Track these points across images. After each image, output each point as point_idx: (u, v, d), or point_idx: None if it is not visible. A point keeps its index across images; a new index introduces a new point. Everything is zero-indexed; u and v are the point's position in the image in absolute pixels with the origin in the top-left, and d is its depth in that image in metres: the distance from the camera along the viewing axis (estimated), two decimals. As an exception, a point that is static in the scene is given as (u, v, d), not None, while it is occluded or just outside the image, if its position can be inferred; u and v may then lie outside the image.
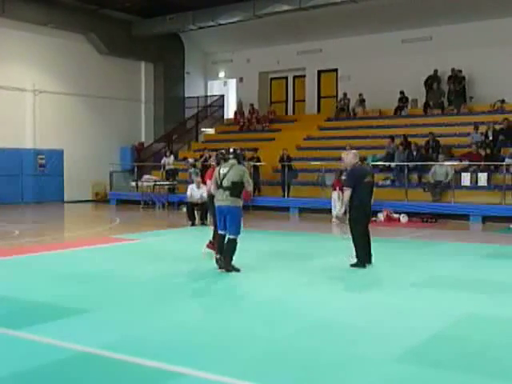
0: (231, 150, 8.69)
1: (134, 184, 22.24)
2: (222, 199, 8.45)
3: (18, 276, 8.33)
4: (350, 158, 9.05)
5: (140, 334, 5.51)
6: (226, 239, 8.48)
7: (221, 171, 8.54)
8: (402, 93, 22.35)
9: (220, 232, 8.65)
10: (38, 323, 5.78)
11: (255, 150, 21.05)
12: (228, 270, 8.36)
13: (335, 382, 4.40)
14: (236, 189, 8.38)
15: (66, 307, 6.40)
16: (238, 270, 8.40)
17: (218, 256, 8.63)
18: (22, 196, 22.08)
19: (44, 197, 22.55)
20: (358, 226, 8.88)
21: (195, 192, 14.94)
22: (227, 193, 8.38)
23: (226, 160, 8.69)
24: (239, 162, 8.65)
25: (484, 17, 21.13)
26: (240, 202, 8.50)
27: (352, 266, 8.87)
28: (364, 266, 8.84)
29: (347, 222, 9.03)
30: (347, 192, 8.72)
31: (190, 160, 21.55)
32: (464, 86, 21.50)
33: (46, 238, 12.87)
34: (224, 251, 8.47)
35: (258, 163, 20.21)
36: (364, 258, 8.88)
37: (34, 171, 22.47)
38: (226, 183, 8.39)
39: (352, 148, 19.44)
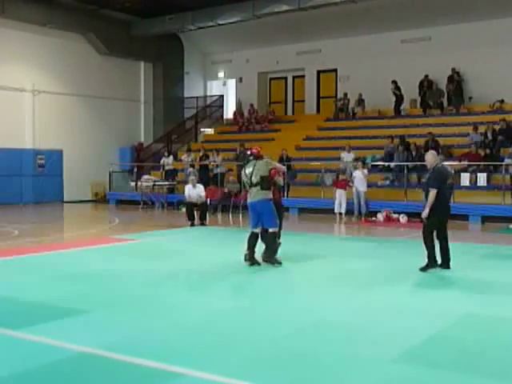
0: (248, 153, 9.42)
1: (133, 184, 22.23)
2: (254, 195, 8.98)
3: (18, 276, 8.32)
4: (430, 158, 8.82)
5: (140, 334, 5.51)
6: (267, 232, 8.94)
7: (246, 171, 9.12)
8: (394, 82, 22.19)
9: (253, 230, 9.06)
10: (38, 323, 5.78)
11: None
12: (272, 263, 8.91)
13: (334, 381, 4.40)
14: (265, 182, 8.91)
15: (65, 307, 6.40)
16: (280, 263, 8.96)
17: (246, 252, 8.99)
18: (22, 196, 22.06)
19: (43, 197, 22.54)
20: (433, 228, 8.63)
21: (192, 192, 14.95)
22: (258, 187, 8.92)
23: (248, 161, 9.29)
24: (260, 158, 9.15)
25: (483, 17, 21.14)
26: (270, 195, 8.99)
27: (421, 269, 8.51)
28: (433, 267, 8.52)
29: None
30: (433, 193, 8.43)
31: (184, 156, 21.75)
32: (463, 86, 21.51)
33: (46, 238, 12.87)
34: (267, 245, 9.02)
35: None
36: (434, 259, 8.55)
37: (33, 171, 22.45)
38: (254, 180, 8.94)
39: (351, 148, 19.55)
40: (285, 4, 21.16)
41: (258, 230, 9.02)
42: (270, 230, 8.91)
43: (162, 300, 6.87)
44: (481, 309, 6.50)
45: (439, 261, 8.70)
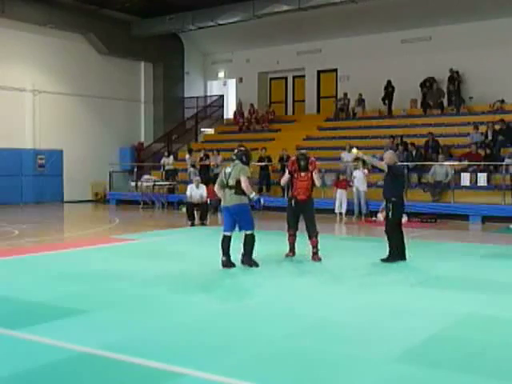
0: (235, 151, 9.11)
1: (133, 184, 22.24)
2: (229, 199, 8.81)
3: (18, 276, 8.32)
4: (388, 156, 9.70)
5: (140, 334, 5.51)
6: (244, 235, 8.88)
7: (226, 171, 8.94)
8: (388, 82, 22.27)
9: (225, 233, 8.87)
10: (38, 323, 5.78)
11: (264, 149, 21.04)
12: (250, 265, 8.85)
13: (335, 381, 4.40)
14: (239, 187, 8.71)
15: (66, 307, 6.39)
16: (257, 265, 8.85)
17: (224, 258, 8.86)
18: (22, 196, 22.07)
19: (43, 197, 22.55)
20: (395, 221, 9.47)
21: (195, 192, 14.98)
22: (232, 191, 8.76)
23: (233, 160, 9.07)
24: (242, 162, 8.90)
25: (484, 17, 21.13)
26: (245, 199, 8.81)
27: (382, 260, 9.35)
28: (393, 262, 9.29)
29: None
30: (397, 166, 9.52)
31: (187, 157, 21.79)
32: (463, 86, 21.51)
33: (46, 238, 12.86)
34: (245, 247, 8.91)
35: (268, 163, 20.44)
36: (396, 253, 9.38)
37: (33, 171, 22.47)
38: (231, 182, 8.78)
39: (352, 148, 19.50)
40: (285, 4, 21.16)
41: (230, 234, 8.83)
42: (248, 233, 8.85)
43: (161, 300, 6.87)
44: (481, 309, 6.49)
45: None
